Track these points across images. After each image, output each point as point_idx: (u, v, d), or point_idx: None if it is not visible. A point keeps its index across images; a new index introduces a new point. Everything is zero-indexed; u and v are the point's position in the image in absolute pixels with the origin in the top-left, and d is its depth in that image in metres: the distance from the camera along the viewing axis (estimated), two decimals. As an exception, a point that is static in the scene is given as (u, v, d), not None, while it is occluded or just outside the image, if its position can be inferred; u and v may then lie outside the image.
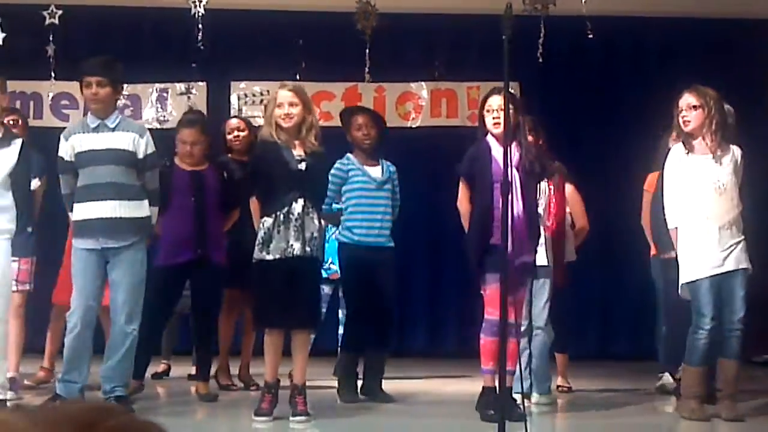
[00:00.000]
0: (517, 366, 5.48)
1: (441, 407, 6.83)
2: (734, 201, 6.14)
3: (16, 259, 6.36)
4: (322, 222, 5.96)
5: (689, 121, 6.18)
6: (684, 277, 6.11)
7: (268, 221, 5.83)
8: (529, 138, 6.10)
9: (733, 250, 6.08)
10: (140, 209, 6.07)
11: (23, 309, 6.81)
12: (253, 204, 6.12)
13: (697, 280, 6.06)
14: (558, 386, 7.50)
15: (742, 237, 6.13)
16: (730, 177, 6.15)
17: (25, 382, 7.12)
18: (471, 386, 6.73)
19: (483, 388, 6.05)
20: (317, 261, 5.92)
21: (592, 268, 9.92)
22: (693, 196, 6.15)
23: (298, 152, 5.91)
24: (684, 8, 9.91)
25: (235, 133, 7.51)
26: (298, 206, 5.82)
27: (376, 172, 6.93)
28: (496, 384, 5.94)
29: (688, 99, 6.22)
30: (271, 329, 5.93)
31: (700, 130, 6.18)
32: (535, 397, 6.76)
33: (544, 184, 6.66)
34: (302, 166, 5.87)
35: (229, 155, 7.45)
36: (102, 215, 5.98)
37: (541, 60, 8.87)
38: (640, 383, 8.07)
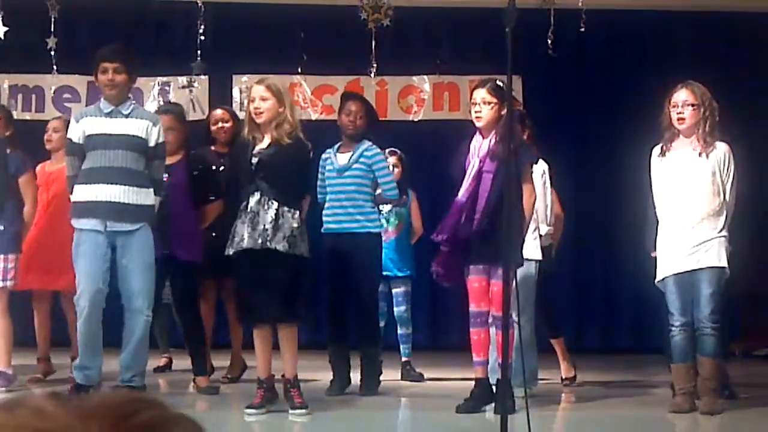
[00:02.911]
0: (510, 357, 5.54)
1: (441, 401, 6.85)
2: (710, 199, 6.10)
3: None
4: (294, 214, 5.86)
5: (684, 119, 6.14)
6: (657, 275, 6.18)
7: (237, 218, 5.93)
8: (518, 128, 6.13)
9: (702, 248, 6.05)
10: (148, 196, 6.12)
11: (4, 304, 6.72)
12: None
13: (665, 278, 6.13)
14: (563, 379, 7.48)
15: (719, 235, 6.08)
16: (707, 174, 6.10)
17: (28, 377, 7.11)
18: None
19: (475, 381, 6.08)
20: (277, 254, 5.78)
21: (594, 260, 9.94)
22: (667, 195, 6.17)
23: (261, 146, 5.94)
24: (687, 2, 9.91)
25: (220, 124, 7.48)
26: (253, 200, 5.86)
27: (343, 158, 6.94)
28: (486, 375, 6.02)
29: (685, 96, 6.17)
30: (252, 326, 6.01)
31: (693, 129, 6.16)
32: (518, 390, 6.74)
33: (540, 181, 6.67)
34: (255, 159, 5.90)
35: (212, 147, 7.45)
36: (111, 198, 6.00)
37: (551, 51, 8.87)
38: (642, 376, 8.09)
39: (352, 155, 6.92)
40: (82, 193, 6.09)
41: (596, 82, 10.11)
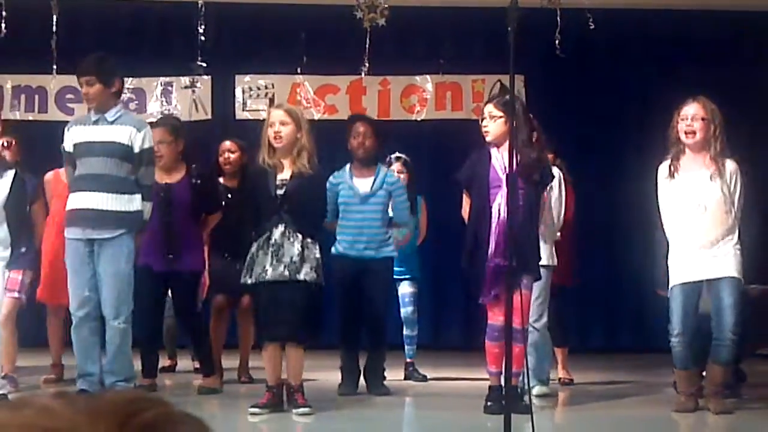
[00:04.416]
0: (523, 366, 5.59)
1: (443, 400, 6.86)
2: (723, 219, 6.07)
3: (7, 270, 6.44)
4: (316, 245, 5.95)
5: (694, 132, 6.06)
6: (669, 285, 6.18)
7: (254, 247, 5.95)
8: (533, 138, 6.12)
9: (718, 259, 6.04)
10: (130, 203, 6.04)
11: (13, 316, 6.81)
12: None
13: (672, 287, 6.13)
14: (560, 378, 7.51)
15: (734, 248, 6.07)
16: (718, 194, 6.07)
17: (43, 378, 7.25)
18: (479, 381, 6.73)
19: (489, 387, 6.09)
20: (302, 284, 5.86)
21: (596, 261, 9.93)
22: (678, 218, 6.13)
23: (283, 176, 5.94)
24: (691, 1, 9.90)
25: (226, 154, 7.45)
26: (277, 232, 5.89)
27: (364, 185, 6.90)
28: (502, 383, 6.01)
29: (695, 109, 6.08)
30: (263, 344, 6.05)
31: (703, 144, 6.09)
32: (534, 389, 6.76)
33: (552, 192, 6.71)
34: (281, 191, 5.91)
35: (221, 179, 7.42)
36: (89, 206, 5.99)
37: (559, 52, 8.86)
38: (644, 376, 8.09)
39: (374, 181, 6.92)
40: (70, 201, 6.12)
41: (599, 81, 10.11)
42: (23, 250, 6.60)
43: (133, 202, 6.06)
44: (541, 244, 6.38)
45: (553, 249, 6.83)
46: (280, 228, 5.89)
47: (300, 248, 5.86)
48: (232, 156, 7.43)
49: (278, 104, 6.30)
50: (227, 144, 7.56)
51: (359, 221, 6.88)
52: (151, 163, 6.21)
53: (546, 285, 6.71)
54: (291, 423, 5.82)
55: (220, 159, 7.47)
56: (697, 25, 10.02)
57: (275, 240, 5.87)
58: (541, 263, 6.33)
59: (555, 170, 6.73)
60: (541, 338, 6.82)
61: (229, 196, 7.24)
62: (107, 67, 6.19)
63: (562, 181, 6.96)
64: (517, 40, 4.63)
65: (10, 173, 6.25)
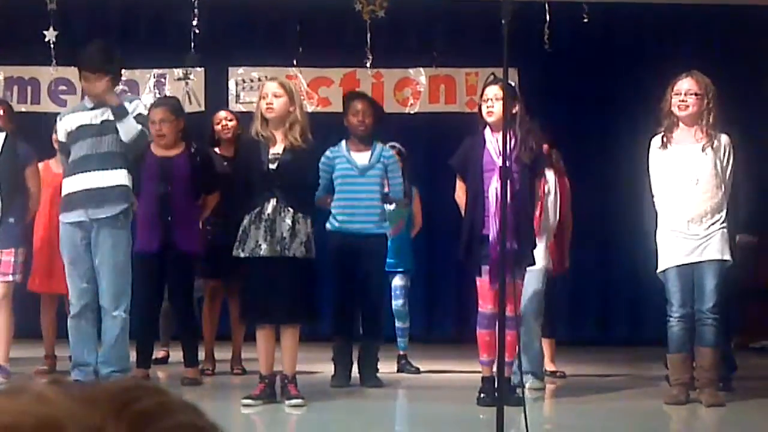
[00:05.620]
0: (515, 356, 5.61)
1: (436, 392, 6.87)
2: (713, 193, 6.10)
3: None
4: (307, 219, 5.93)
5: (687, 106, 6.11)
6: (659, 265, 6.19)
7: (245, 220, 5.94)
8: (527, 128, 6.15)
9: (705, 241, 6.07)
10: (123, 177, 6.02)
11: (8, 299, 6.81)
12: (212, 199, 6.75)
13: (666, 269, 6.15)
14: (550, 371, 7.52)
15: (721, 227, 6.10)
16: (710, 168, 6.10)
17: (35, 369, 7.22)
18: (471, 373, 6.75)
19: (482, 378, 6.10)
20: (293, 260, 5.86)
21: (590, 253, 9.95)
22: (666, 188, 6.16)
23: (275, 150, 5.93)
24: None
25: (223, 122, 7.52)
26: (269, 206, 5.88)
27: (362, 158, 6.91)
28: (494, 373, 6.02)
29: (688, 85, 6.14)
30: (256, 325, 6.03)
31: (696, 118, 6.14)
32: (528, 382, 6.77)
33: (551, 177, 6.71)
34: (274, 165, 5.90)
35: (216, 149, 7.43)
36: (85, 186, 5.96)
37: (547, 46, 8.86)
38: (636, 369, 8.11)
39: (372, 155, 6.91)
40: (67, 185, 6.07)
41: (593, 74, 10.11)
42: (12, 220, 6.52)
43: (124, 177, 6.03)
44: (539, 246, 6.40)
45: (548, 251, 6.86)
46: (272, 202, 5.88)
47: (290, 223, 5.84)
48: (230, 123, 7.50)
49: (272, 77, 6.30)
50: (222, 113, 7.70)
51: (357, 194, 6.86)
52: (144, 120, 6.12)
53: (541, 288, 6.73)
54: (284, 414, 5.84)
55: (217, 127, 7.53)
56: (689, 18, 10.03)
57: (268, 214, 5.86)
58: (536, 267, 6.35)
59: (550, 175, 6.78)
60: (534, 333, 6.83)
61: (226, 164, 7.23)
62: (115, 61, 6.11)
63: (556, 182, 6.98)
64: (510, 33, 4.63)
65: (1, 135, 6.20)
